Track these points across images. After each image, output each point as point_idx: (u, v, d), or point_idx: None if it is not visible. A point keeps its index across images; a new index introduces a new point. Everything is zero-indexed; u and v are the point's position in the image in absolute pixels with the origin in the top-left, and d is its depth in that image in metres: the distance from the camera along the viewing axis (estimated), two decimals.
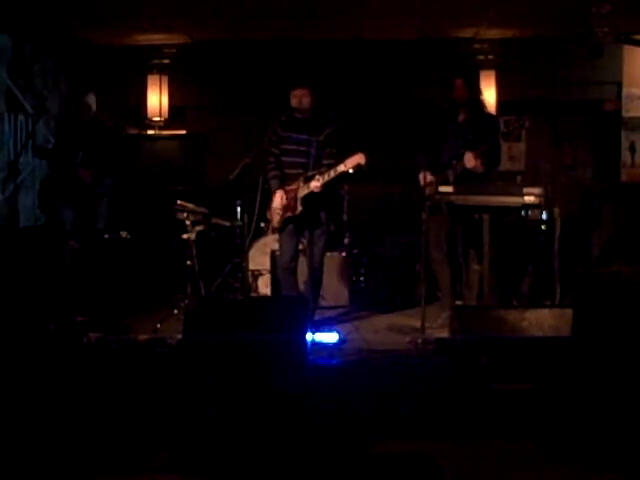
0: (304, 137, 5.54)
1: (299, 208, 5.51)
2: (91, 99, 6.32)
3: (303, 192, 5.46)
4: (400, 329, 5.78)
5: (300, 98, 5.50)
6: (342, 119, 5.78)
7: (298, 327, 4.34)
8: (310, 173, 5.46)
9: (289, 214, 5.59)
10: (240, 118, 7.86)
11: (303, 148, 5.54)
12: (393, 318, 6.26)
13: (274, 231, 5.90)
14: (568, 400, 3.84)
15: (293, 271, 5.77)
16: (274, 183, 5.64)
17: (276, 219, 5.68)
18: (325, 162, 5.48)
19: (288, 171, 5.62)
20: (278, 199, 5.61)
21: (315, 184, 5.35)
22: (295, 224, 5.66)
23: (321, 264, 5.70)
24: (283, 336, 4.19)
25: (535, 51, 7.89)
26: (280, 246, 5.87)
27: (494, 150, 5.55)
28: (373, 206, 7.86)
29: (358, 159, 5.23)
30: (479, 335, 4.28)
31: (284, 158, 5.64)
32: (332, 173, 5.31)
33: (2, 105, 6.90)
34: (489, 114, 5.95)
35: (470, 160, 5.35)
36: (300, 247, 5.87)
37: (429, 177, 5.51)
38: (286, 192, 5.57)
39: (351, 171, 5.29)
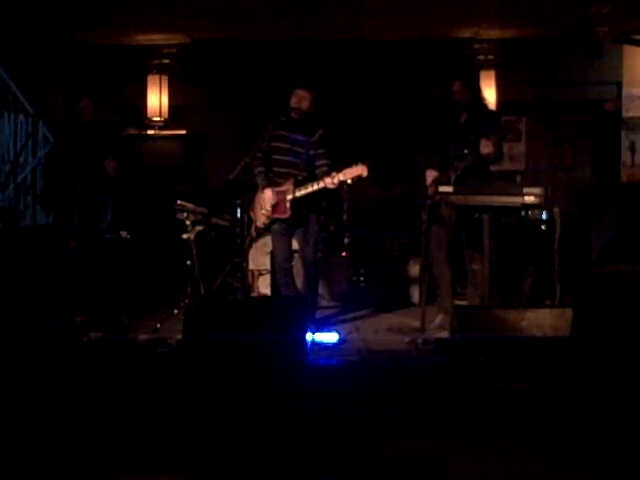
0: (301, 138, 5.52)
1: (289, 212, 5.47)
2: (90, 100, 6.35)
3: (293, 195, 5.42)
4: (400, 329, 5.78)
5: (301, 99, 5.49)
6: (341, 119, 5.78)
7: (298, 327, 4.34)
8: (301, 177, 5.44)
9: (278, 216, 5.54)
10: (240, 118, 7.87)
11: (298, 149, 5.52)
12: (393, 318, 6.27)
13: (257, 231, 5.82)
14: (568, 400, 3.85)
15: (289, 272, 5.71)
16: (260, 179, 5.60)
17: (261, 220, 5.63)
18: (318, 163, 5.49)
19: (278, 170, 5.58)
20: (268, 195, 5.52)
21: (330, 180, 5.27)
22: (283, 225, 5.60)
23: (315, 263, 5.65)
24: (283, 336, 4.20)
25: (535, 51, 7.90)
26: (273, 248, 5.84)
27: (498, 144, 5.49)
28: (373, 206, 7.87)
29: (360, 171, 5.22)
30: (479, 335, 4.27)
31: (276, 156, 5.59)
32: (336, 180, 5.27)
33: (2, 105, 6.90)
34: (491, 111, 5.92)
35: (487, 145, 5.30)
36: (297, 247, 5.85)
37: (434, 175, 5.51)
38: (275, 193, 5.51)
39: (350, 181, 5.29)
